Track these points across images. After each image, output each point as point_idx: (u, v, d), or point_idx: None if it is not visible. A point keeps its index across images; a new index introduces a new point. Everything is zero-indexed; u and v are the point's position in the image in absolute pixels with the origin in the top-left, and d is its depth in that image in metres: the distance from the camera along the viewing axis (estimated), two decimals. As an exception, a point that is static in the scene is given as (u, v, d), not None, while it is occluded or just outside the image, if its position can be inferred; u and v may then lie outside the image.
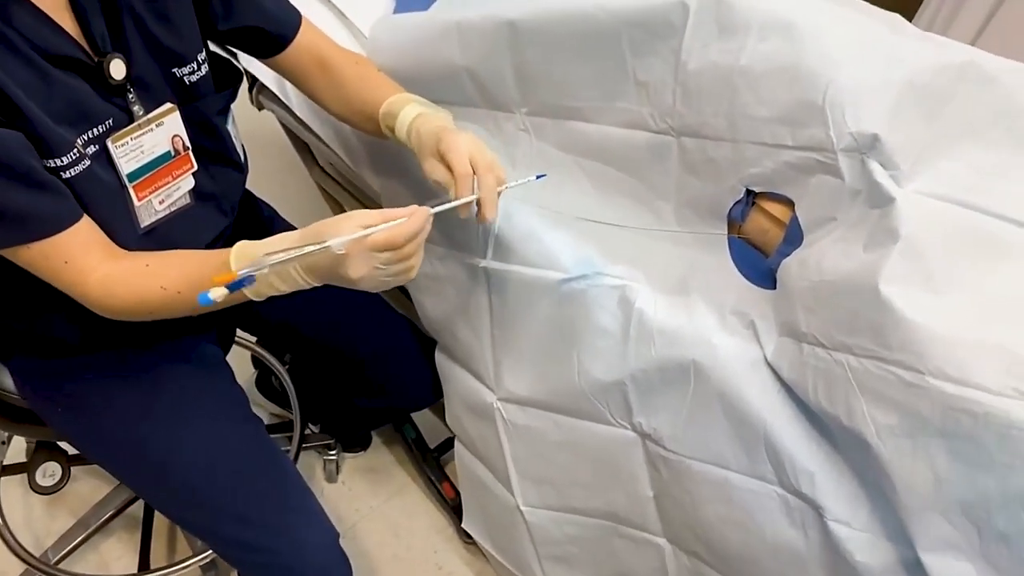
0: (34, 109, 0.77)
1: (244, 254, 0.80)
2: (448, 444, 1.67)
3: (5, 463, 1.41)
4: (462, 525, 1.44)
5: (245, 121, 1.09)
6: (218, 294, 0.73)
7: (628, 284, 0.94)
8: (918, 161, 0.78)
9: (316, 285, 0.80)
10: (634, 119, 0.94)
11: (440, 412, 1.35)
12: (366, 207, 1.37)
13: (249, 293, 0.80)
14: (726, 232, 0.92)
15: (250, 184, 1.17)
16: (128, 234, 0.89)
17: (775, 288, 0.87)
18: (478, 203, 0.87)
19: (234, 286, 0.74)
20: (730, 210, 0.90)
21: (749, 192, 0.88)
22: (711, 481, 0.92)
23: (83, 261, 0.83)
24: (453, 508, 1.58)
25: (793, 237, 0.85)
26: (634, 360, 0.93)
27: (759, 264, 0.89)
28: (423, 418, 1.68)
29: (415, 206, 0.79)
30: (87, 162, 0.83)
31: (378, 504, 1.67)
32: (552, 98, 1.00)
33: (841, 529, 0.81)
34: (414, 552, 1.60)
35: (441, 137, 0.88)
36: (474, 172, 0.86)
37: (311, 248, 0.74)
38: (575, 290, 0.97)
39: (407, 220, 0.76)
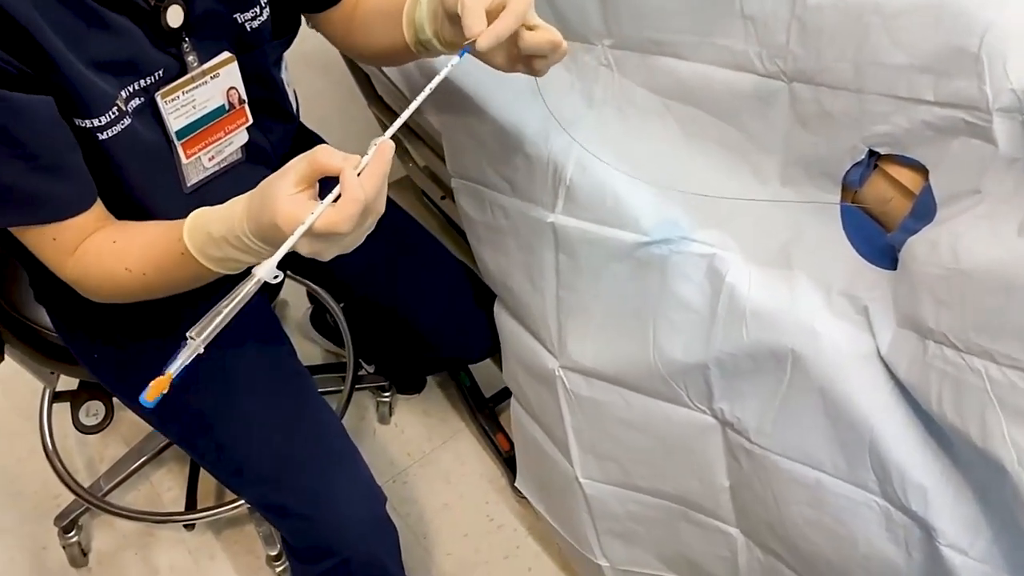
0: (72, 61, 0.69)
1: (197, 226, 0.70)
2: (505, 394, 1.60)
3: (58, 390, 1.39)
4: (515, 484, 1.37)
5: (303, 39, 0.99)
6: (156, 392, 0.61)
7: (718, 253, 0.82)
8: (1096, 127, 0.64)
9: None
10: (737, 59, 0.81)
11: (499, 360, 1.27)
12: (426, 145, 1.27)
13: (217, 268, 0.70)
14: (839, 198, 0.78)
15: (307, 111, 1.08)
16: (171, 195, 0.82)
17: (895, 269, 0.74)
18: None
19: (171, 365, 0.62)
20: (847, 172, 0.77)
21: (872, 153, 0.74)
22: (800, 481, 0.81)
23: (72, 243, 0.75)
24: (506, 460, 1.52)
25: (923, 211, 0.71)
26: (721, 342, 0.82)
27: (877, 239, 0.76)
28: (480, 365, 1.61)
29: (355, 157, 0.64)
30: (127, 120, 0.75)
31: (431, 449, 1.62)
32: (641, 29, 0.87)
33: (955, 556, 0.70)
34: (465, 501, 1.56)
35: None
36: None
37: (242, 295, 0.61)
38: (655, 256, 0.85)
39: (343, 203, 0.61)
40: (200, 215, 0.71)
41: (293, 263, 1.18)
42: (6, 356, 1.21)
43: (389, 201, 1.27)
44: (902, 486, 0.72)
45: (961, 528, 0.70)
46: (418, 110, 1.14)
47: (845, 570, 0.82)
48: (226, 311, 0.61)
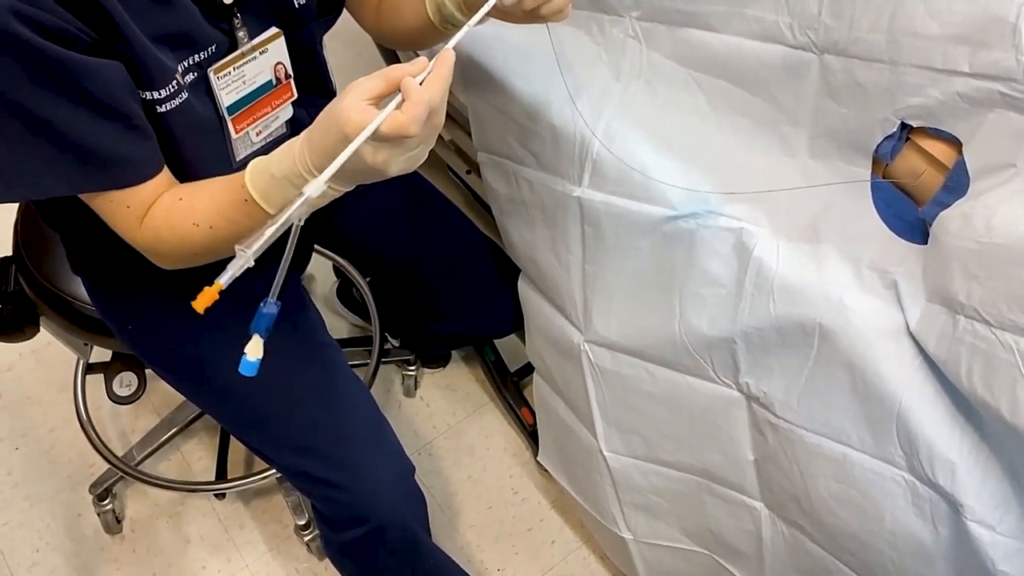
0: (137, 32, 0.70)
1: (258, 170, 0.71)
2: (529, 368, 1.60)
3: (91, 361, 1.42)
4: (538, 459, 1.38)
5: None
6: (256, 351, 0.65)
7: (746, 227, 0.82)
8: None
9: (349, 189, 0.70)
10: (768, 30, 0.80)
11: (523, 335, 1.27)
12: (451, 118, 1.27)
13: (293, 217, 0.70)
14: (869, 171, 0.77)
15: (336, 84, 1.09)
16: (221, 169, 0.83)
17: (926, 243, 0.73)
18: None
19: (257, 325, 0.65)
20: (878, 146, 0.76)
21: (904, 126, 0.74)
22: (826, 456, 0.81)
23: (144, 208, 0.76)
24: (531, 434, 1.53)
25: (956, 184, 0.71)
26: (748, 316, 0.81)
27: (908, 213, 0.75)
28: (504, 339, 1.61)
29: (422, 59, 0.65)
30: (185, 95, 0.76)
31: (456, 422, 1.64)
32: (670, 0, 0.86)
33: (983, 532, 0.70)
34: (489, 474, 1.57)
35: None
36: None
37: (291, 210, 0.62)
38: (683, 230, 0.85)
39: (409, 104, 0.61)
40: (260, 159, 0.71)
41: (321, 237, 1.19)
42: (41, 328, 1.23)
43: (414, 174, 1.27)
44: (929, 461, 0.72)
45: (989, 503, 0.70)
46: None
47: (871, 544, 0.82)
48: (275, 226, 0.62)
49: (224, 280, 0.61)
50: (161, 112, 0.75)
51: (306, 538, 1.44)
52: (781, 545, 0.97)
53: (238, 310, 0.99)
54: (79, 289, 1.12)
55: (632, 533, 1.19)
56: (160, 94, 0.74)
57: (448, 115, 1.27)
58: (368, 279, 1.51)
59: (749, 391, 0.87)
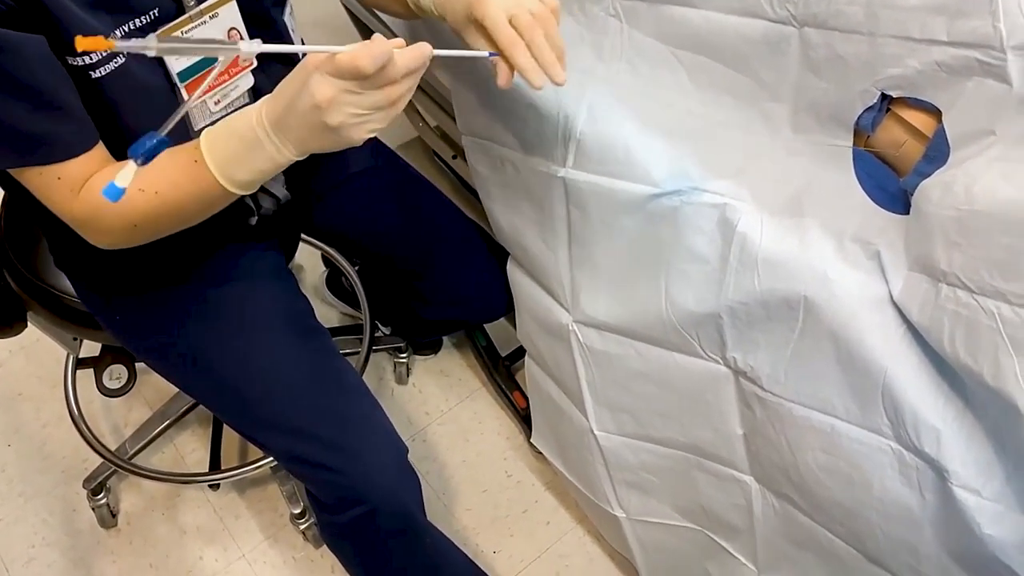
0: None
1: (214, 127, 0.69)
2: (520, 352, 1.60)
3: (81, 356, 1.41)
4: (531, 441, 1.39)
5: (313, 4, 0.99)
6: (125, 178, 0.59)
7: (729, 203, 0.82)
8: (1113, 63, 0.63)
9: (299, 157, 0.69)
10: (747, 5, 0.80)
11: (514, 319, 1.27)
12: (436, 104, 1.26)
13: (223, 176, 0.69)
14: (851, 143, 0.78)
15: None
16: (178, 138, 0.81)
17: (907, 213, 0.74)
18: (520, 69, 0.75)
19: (135, 149, 0.58)
20: (859, 117, 0.76)
21: (884, 96, 0.74)
22: (814, 428, 0.82)
23: (79, 180, 0.74)
24: (523, 417, 1.53)
25: (936, 153, 0.71)
26: (733, 292, 0.82)
27: (890, 184, 0.76)
28: (495, 324, 1.62)
29: (400, 39, 0.67)
30: (121, 59, 0.74)
31: (448, 408, 1.64)
32: (649, -22, 0.86)
33: (968, 497, 0.70)
34: (483, 458, 1.58)
35: (471, 2, 0.75)
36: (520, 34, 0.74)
37: (218, 46, 0.61)
38: (667, 208, 0.85)
39: (371, 43, 0.63)
40: (211, 129, 0.70)
41: (308, 225, 1.19)
42: (29, 324, 1.23)
43: (401, 161, 1.26)
44: (915, 429, 0.73)
45: (974, 469, 0.71)
46: (426, 69, 1.14)
47: (859, 514, 0.83)
48: (193, 44, 0.61)
49: (119, 44, 0.57)
50: (97, 78, 0.73)
51: (302, 526, 1.44)
52: (772, 518, 0.98)
53: (226, 297, 1.00)
54: (66, 283, 1.12)
55: (625, 511, 1.19)
56: (91, 58, 0.72)
57: (433, 100, 1.27)
58: (357, 267, 1.51)
59: (736, 366, 0.87)
